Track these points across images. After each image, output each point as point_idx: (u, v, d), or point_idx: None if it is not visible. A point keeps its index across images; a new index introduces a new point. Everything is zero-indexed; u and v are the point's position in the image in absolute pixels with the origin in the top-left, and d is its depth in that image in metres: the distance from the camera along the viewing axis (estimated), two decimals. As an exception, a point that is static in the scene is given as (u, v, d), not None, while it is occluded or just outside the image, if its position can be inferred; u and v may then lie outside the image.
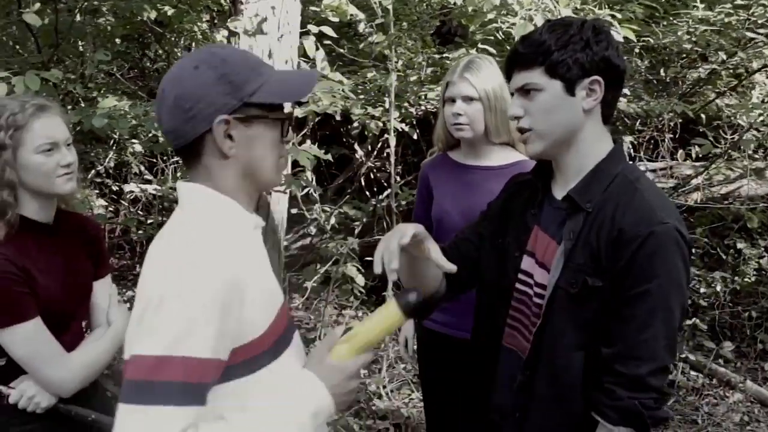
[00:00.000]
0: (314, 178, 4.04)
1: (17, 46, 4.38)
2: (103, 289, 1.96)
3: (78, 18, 3.81)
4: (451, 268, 1.45)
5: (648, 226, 1.39)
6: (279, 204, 3.48)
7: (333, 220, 4.80)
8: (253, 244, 1.30)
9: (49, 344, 1.73)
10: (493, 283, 1.70)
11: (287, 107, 1.35)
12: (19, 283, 1.68)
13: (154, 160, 5.43)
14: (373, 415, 3.99)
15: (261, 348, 1.23)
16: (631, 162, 1.62)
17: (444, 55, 4.05)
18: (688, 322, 4.42)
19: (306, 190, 3.55)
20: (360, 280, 4.65)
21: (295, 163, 3.44)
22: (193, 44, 4.53)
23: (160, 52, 4.97)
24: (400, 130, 3.81)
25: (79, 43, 4.19)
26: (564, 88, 1.47)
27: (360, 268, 4.80)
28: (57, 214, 1.86)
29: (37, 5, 3.01)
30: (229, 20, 3.35)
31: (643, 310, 1.40)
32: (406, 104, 4.13)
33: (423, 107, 4.17)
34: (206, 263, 1.15)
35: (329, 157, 3.28)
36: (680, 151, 4.89)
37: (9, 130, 1.69)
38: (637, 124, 5.01)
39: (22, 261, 1.71)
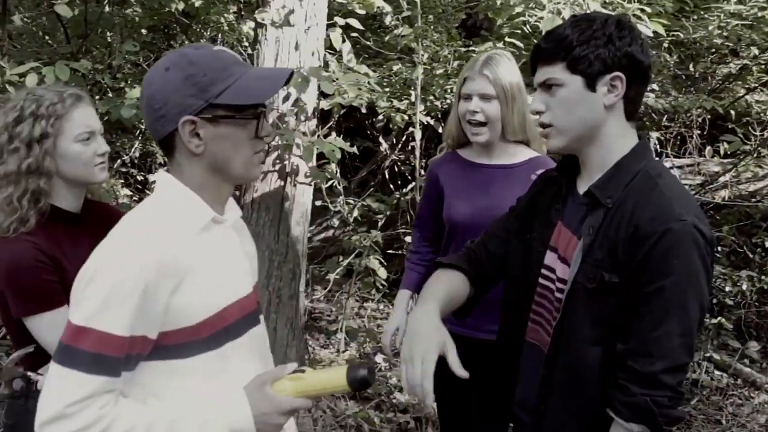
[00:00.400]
0: (338, 171, 4.04)
1: (47, 37, 4.43)
2: None
3: (107, 9, 3.84)
4: (463, 374, 1.38)
5: (664, 223, 1.38)
6: (303, 196, 3.49)
7: (356, 213, 4.81)
8: (212, 237, 1.34)
9: None
10: (518, 279, 1.70)
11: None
12: (48, 272, 1.71)
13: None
14: (394, 408, 3.99)
15: (194, 336, 1.28)
16: (657, 158, 1.60)
17: (470, 48, 4.02)
18: (713, 321, 4.37)
19: (330, 183, 3.55)
20: (382, 273, 4.66)
21: (320, 156, 3.45)
22: (219, 36, 4.55)
23: (186, 43, 5.00)
24: (425, 123, 3.79)
25: (107, 33, 4.23)
26: (585, 84, 1.46)
27: (382, 260, 4.81)
28: (84, 203, 1.88)
29: (68, -4, 3.04)
30: (256, 12, 3.36)
31: (657, 307, 1.39)
32: (431, 97, 4.11)
33: (448, 101, 4.15)
34: (138, 244, 1.22)
35: (354, 149, 3.28)
36: (708, 148, 4.83)
37: (50, 119, 1.72)
38: (665, 119, 4.94)
39: (52, 250, 1.73)
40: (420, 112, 3.70)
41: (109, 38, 4.22)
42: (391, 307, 5.54)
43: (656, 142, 4.80)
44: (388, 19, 3.95)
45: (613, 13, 1.97)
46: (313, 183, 3.51)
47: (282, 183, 3.38)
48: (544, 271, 1.62)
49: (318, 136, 3.38)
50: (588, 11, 3.23)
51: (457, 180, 2.36)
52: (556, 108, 1.50)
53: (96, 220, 1.90)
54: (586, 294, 1.48)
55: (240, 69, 1.30)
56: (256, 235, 3.40)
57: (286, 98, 3.31)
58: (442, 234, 2.42)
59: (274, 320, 3.49)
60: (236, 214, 1.45)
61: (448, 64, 3.97)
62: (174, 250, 1.24)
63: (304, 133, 3.29)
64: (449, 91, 4.06)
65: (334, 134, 3.55)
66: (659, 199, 1.42)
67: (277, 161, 3.35)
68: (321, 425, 3.74)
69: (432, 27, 3.94)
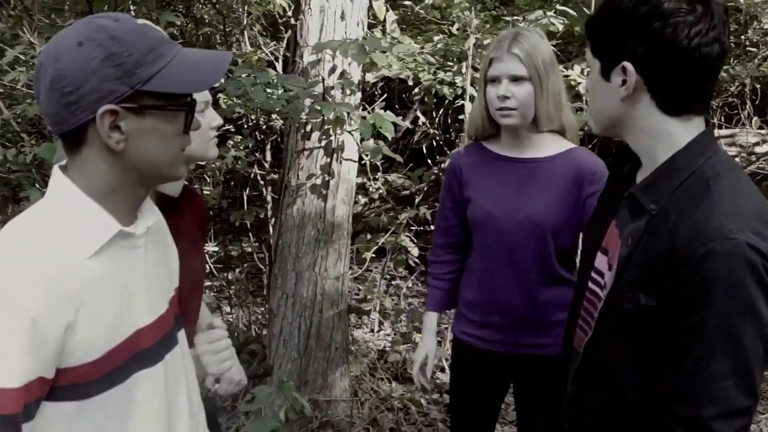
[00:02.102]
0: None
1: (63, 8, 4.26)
2: None
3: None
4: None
5: (706, 242, 1.14)
6: (349, 173, 3.37)
7: (384, 189, 4.68)
8: (117, 255, 1.11)
9: None
10: (577, 281, 1.56)
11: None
12: None
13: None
14: (440, 389, 3.91)
15: (97, 372, 1.08)
16: (723, 153, 1.33)
17: (514, 18, 3.87)
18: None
19: (377, 158, 3.42)
20: (415, 251, 4.55)
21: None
22: (245, 6, 4.36)
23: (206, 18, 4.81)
24: (473, 96, 3.65)
25: (131, 6, 4.05)
26: (600, 71, 1.29)
27: (412, 238, 4.70)
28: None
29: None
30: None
31: (700, 343, 1.15)
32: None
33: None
34: (20, 272, 1.00)
35: (407, 123, 3.15)
36: (755, 119, 4.68)
37: None
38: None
39: None
40: (471, 84, 3.54)
41: (132, 10, 4.04)
42: (419, 285, 5.48)
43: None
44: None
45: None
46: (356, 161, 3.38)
47: (328, 160, 3.25)
48: (593, 275, 1.44)
49: (370, 110, 3.23)
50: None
51: (484, 176, 2.11)
52: (588, 92, 1.37)
53: (188, 206, 1.75)
54: (623, 314, 1.27)
55: (171, 49, 1.10)
56: (301, 215, 3.28)
57: (332, 71, 3.17)
58: (469, 239, 2.19)
59: (320, 303, 3.38)
60: (151, 220, 1.21)
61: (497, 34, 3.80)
62: (68, 276, 1.03)
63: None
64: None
65: (376, 107, 3.40)
66: (706, 210, 1.17)
67: (323, 137, 3.22)
68: (368, 407, 3.65)
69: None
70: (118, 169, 1.09)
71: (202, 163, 4.20)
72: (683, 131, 1.26)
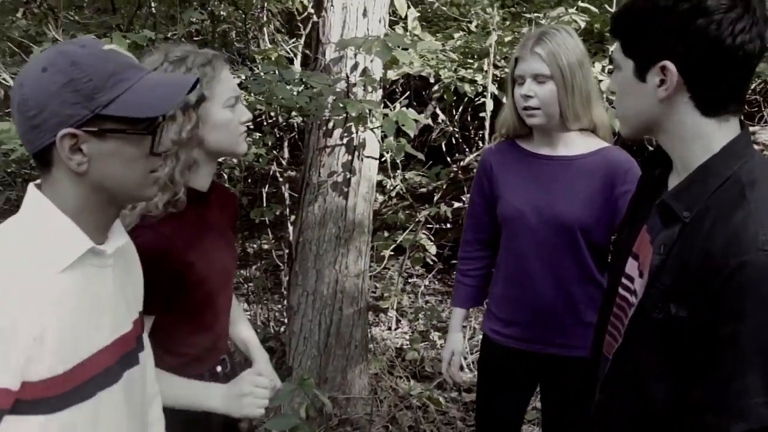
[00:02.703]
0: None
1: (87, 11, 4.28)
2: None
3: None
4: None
5: (740, 254, 1.10)
6: (370, 170, 3.36)
7: (402, 186, 4.67)
8: (87, 272, 1.13)
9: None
10: (607, 286, 1.53)
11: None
12: (162, 277, 1.51)
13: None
14: (458, 388, 3.90)
15: (61, 388, 1.09)
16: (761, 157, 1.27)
17: (535, 14, 3.84)
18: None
19: (400, 156, 3.41)
20: (432, 249, 4.54)
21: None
22: (265, 4, 4.36)
23: (223, 14, 4.81)
24: (494, 93, 3.64)
25: (151, 4, 4.07)
26: (635, 71, 1.23)
27: (430, 236, 4.69)
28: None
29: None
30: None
31: (733, 356, 1.12)
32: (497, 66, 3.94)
33: (506, 70, 3.98)
34: None
35: (429, 120, 3.14)
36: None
37: (204, 82, 1.53)
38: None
39: (180, 247, 1.56)
40: (492, 81, 3.53)
41: (151, 9, 4.05)
42: (436, 282, 5.47)
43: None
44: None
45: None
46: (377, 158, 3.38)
47: (350, 157, 3.25)
48: (623, 280, 1.41)
49: (390, 107, 3.22)
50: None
51: (515, 173, 2.11)
52: (616, 92, 1.31)
53: (217, 201, 1.75)
54: (653, 324, 1.24)
55: (134, 74, 1.11)
56: (323, 212, 3.28)
57: (354, 67, 3.17)
58: (498, 236, 2.19)
59: (340, 300, 3.38)
60: (121, 241, 1.22)
61: (518, 31, 3.79)
62: (39, 289, 1.05)
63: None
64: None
65: (398, 105, 3.39)
66: (742, 219, 1.13)
67: (345, 134, 3.21)
68: (387, 405, 3.65)
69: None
70: (85, 189, 1.12)
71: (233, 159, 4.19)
72: (720, 133, 1.22)
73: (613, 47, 1.29)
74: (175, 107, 1.20)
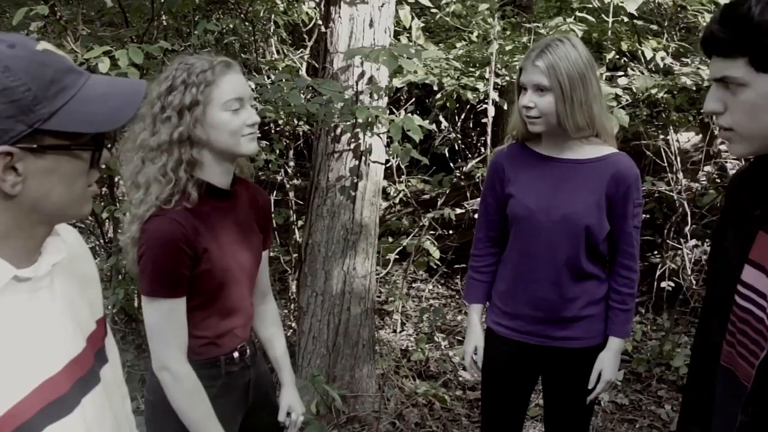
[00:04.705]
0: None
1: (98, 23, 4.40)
2: (265, 261, 2.01)
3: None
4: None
5: None
6: (377, 175, 3.48)
7: (405, 192, 4.79)
8: (13, 301, 0.96)
9: (176, 331, 1.73)
10: (708, 295, 1.48)
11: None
12: (186, 262, 1.69)
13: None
14: (462, 386, 4.00)
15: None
16: None
17: (534, 24, 3.98)
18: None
19: (406, 161, 3.53)
20: (436, 253, 4.65)
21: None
22: (272, 16, 4.50)
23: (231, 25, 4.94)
24: (496, 101, 3.77)
25: (163, 16, 4.20)
26: None
27: (433, 241, 4.80)
28: (233, 179, 1.84)
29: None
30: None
31: None
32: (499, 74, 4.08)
33: (508, 77, 4.12)
34: None
35: (434, 126, 3.26)
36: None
37: (200, 87, 1.68)
38: None
39: (197, 236, 1.71)
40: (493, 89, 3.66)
41: (164, 20, 4.18)
42: (440, 286, 5.57)
43: None
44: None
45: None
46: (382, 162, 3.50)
47: (357, 162, 3.37)
48: (741, 289, 1.32)
49: (396, 114, 3.35)
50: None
51: (526, 174, 2.20)
52: (739, 111, 1.21)
53: (243, 199, 1.88)
54: None
55: (76, 80, 0.96)
56: (331, 215, 3.40)
57: (361, 76, 3.29)
58: (508, 234, 2.29)
59: (348, 300, 3.50)
60: (58, 256, 1.05)
61: (519, 40, 3.93)
62: None
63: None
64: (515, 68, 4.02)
65: (402, 112, 3.51)
66: None
67: (352, 140, 3.34)
68: (394, 403, 3.75)
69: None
70: (14, 212, 0.95)
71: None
72: None
73: (725, 66, 1.21)
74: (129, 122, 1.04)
